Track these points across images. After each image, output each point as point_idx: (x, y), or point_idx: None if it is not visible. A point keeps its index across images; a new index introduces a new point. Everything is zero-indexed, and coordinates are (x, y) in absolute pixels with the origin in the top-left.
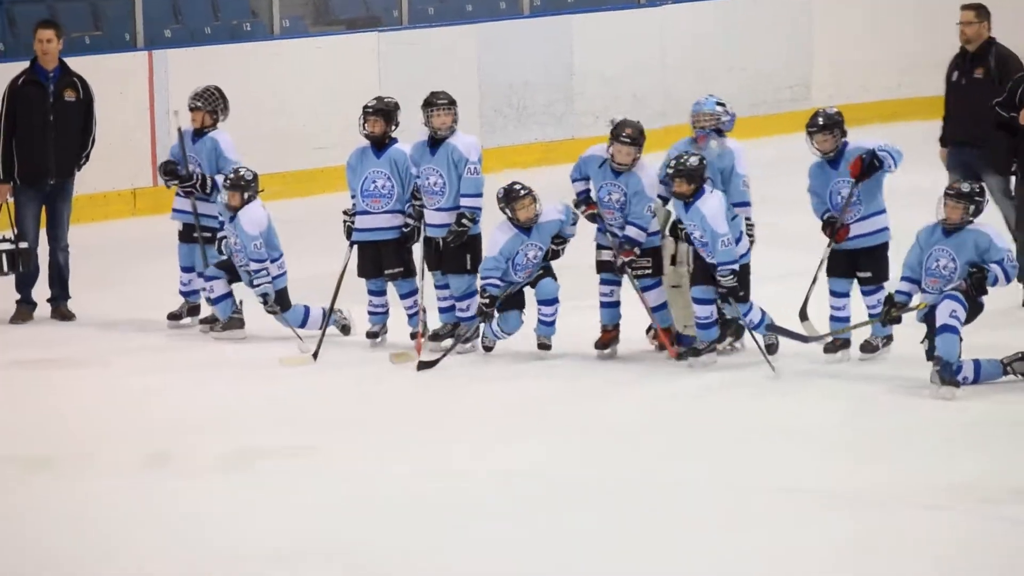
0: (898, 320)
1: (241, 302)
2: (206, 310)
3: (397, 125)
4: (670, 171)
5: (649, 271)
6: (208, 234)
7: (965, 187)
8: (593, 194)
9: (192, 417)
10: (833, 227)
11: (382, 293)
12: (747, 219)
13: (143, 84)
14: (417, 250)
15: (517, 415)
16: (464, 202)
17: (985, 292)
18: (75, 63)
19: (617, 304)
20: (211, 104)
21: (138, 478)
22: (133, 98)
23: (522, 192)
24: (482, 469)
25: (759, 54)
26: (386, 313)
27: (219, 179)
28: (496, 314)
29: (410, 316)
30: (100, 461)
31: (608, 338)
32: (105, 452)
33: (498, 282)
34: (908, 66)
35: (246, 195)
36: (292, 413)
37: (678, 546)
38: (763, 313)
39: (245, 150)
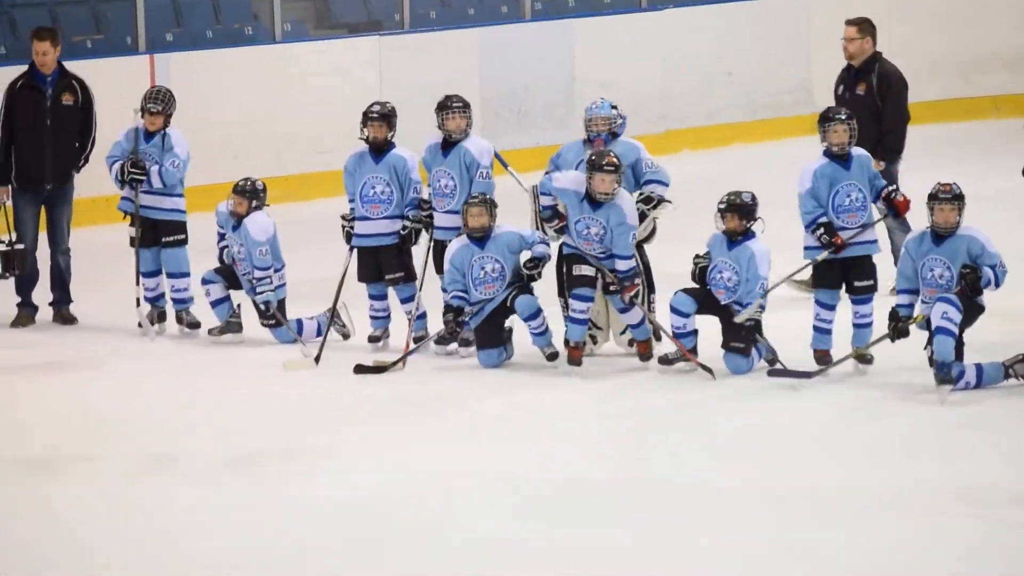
0: (906, 333)
1: (239, 305)
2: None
3: (395, 130)
4: (722, 206)
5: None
6: (180, 236)
7: (956, 187)
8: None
9: (192, 420)
10: (831, 234)
11: (383, 298)
12: (664, 199)
13: (145, 88)
14: (418, 253)
15: (517, 419)
16: None
17: (980, 292)
18: (76, 67)
19: (587, 322)
20: (169, 107)
21: (138, 480)
22: (135, 102)
23: (476, 200)
24: (484, 471)
25: (759, 58)
26: (388, 318)
27: (153, 170)
28: (461, 328)
29: (414, 320)
30: (99, 463)
31: (579, 355)
32: (104, 455)
33: (461, 294)
34: (907, 70)
35: (254, 203)
36: (293, 417)
37: (680, 545)
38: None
39: (246, 154)
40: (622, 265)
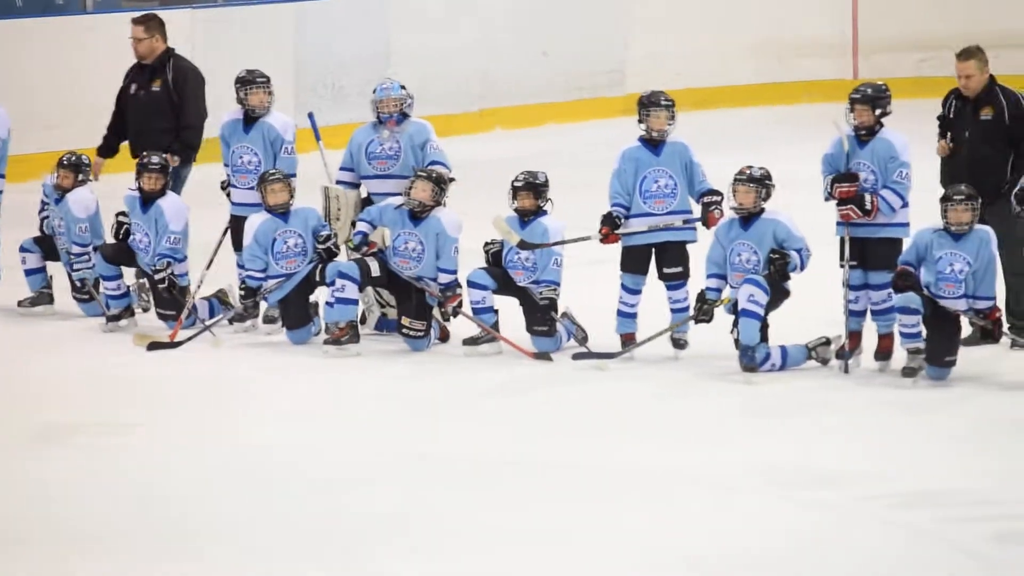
0: (710, 317)
1: (51, 277)
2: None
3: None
4: (518, 184)
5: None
6: None
7: (756, 171)
8: (387, 240)
9: (7, 393)
10: (613, 225)
11: (118, 277)
12: (452, 178)
13: None
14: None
15: (331, 394)
16: None
17: (788, 278)
18: None
19: (352, 301)
20: None
21: None
22: None
23: (277, 177)
24: (304, 443)
25: (575, 39)
26: (126, 295)
27: None
28: (256, 309)
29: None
30: None
31: (340, 335)
32: None
33: (257, 274)
34: (722, 54)
35: (79, 177)
36: (109, 390)
37: (482, 519)
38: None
39: (57, 124)
40: (444, 278)
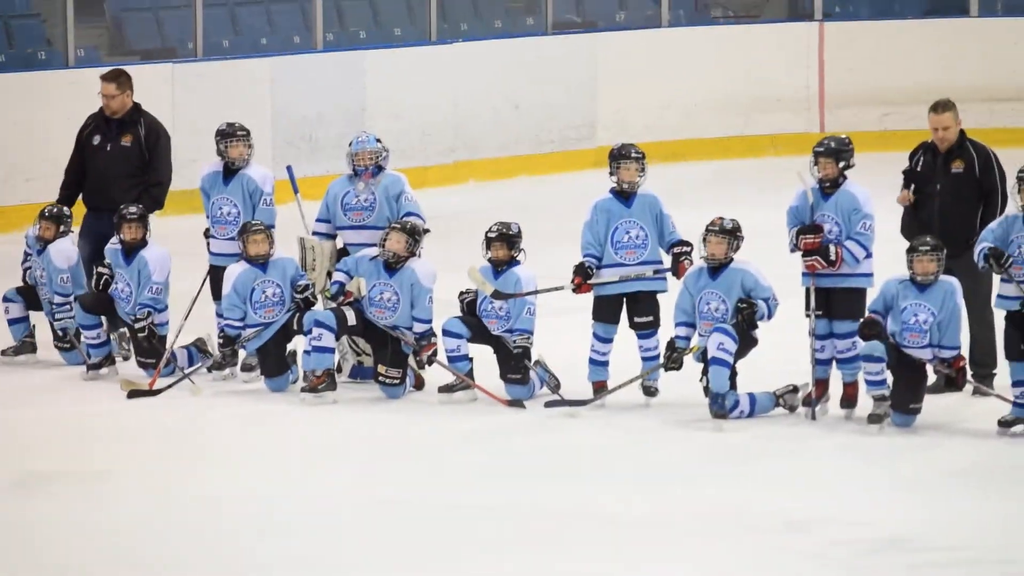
0: (680, 364)
1: (34, 326)
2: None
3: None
4: (492, 235)
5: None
6: None
7: (728, 223)
8: (362, 290)
9: None
10: (585, 275)
11: (98, 326)
12: (426, 229)
13: None
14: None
15: (308, 441)
16: None
17: (755, 326)
18: None
19: (328, 350)
20: None
21: None
22: None
23: (258, 228)
24: (280, 491)
25: (546, 93)
26: (106, 343)
27: None
28: (235, 357)
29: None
30: None
31: (317, 383)
32: None
33: (236, 323)
34: (691, 107)
35: (61, 228)
36: (79, 439)
37: (438, 562)
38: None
39: (38, 177)
40: (419, 328)
